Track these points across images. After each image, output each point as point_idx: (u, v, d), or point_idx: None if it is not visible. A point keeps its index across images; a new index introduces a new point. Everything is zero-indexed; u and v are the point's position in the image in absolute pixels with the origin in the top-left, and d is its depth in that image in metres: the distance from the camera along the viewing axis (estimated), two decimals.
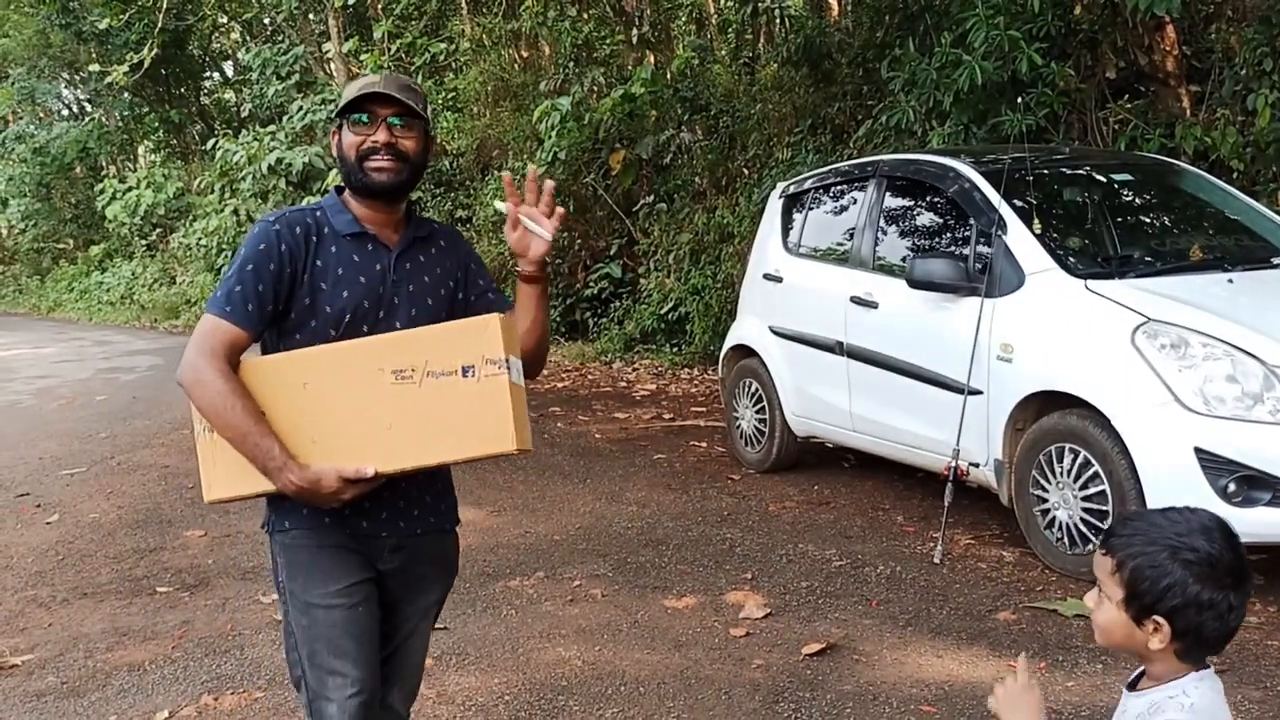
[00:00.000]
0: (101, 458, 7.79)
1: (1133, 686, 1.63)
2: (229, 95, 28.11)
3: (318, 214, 2.29)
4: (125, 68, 19.40)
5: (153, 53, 19.35)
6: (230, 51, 27.62)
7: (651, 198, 11.73)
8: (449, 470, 2.43)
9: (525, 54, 14.57)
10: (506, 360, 2.13)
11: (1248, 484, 3.99)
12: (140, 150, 30.01)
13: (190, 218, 20.76)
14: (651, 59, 12.90)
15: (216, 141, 18.74)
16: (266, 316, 2.21)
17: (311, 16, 20.26)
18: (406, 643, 2.43)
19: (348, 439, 2.16)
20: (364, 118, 2.25)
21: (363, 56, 16.72)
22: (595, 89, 12.45)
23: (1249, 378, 4.07)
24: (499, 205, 2.38)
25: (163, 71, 23.71)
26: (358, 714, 2.21)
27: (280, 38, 21.16)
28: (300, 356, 2.21)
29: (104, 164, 27.99)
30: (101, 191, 23.00)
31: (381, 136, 2.24)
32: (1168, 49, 7.92)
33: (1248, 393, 4.06)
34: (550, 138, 11.69)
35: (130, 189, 22.35)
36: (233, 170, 18.13)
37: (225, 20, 25.33)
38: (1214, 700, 1.56)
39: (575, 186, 12.30)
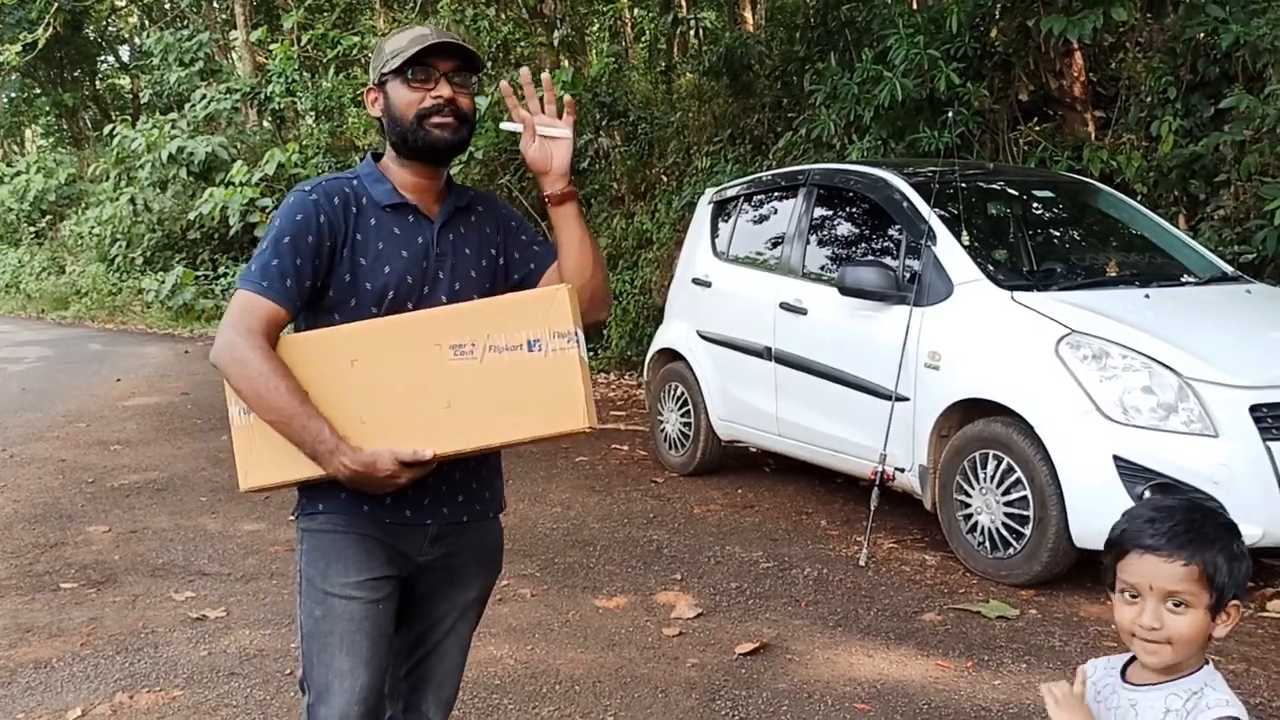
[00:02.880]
0: None
1: (1125, 675, 1.62)
2: (124, 81, 27.23)
3: (354, 183, 2.13)
4: (18, 48, 18.66)
5: (48, 33, 18.64)
6: (128, 36, 26.77)
7: None
8: (500, 452, 2.26)
9: None
10: (575, 333, 2.00)
11: (1163, 491, 4.13)
12: (28, 134, 28.86)
13: (82, 205, 20.04)
14: (569, 63, 12.90)
15: (114, 128, 18.10)
16: (305, 292, 2.04)
17: (216, 4, 19.76)
18: (442, 644, 2.26)
19: (401, 419, 2.01)
20: (423, 73, 2.08)
21: (272, 46, 16.36)
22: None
23: (1165, 389, 4.22)
24: (507, 126, 2.19)
25: (57, 54, 22.87)
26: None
27: (182, 23, 20.58)
28: (348, 331, 2.05)
29: None
30: None
31: (445, 92, 2.08)
32: (1076, 75, 8.21)
33: (1163, 403, 4.21)
34: None
35: (19, 173, 21.48)
36: (130, 158, 17.54)
37: (124, 3, 24.53)
38: (1227, 687, 1.57)
39: (491, 188, 12.20)
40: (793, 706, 3.44)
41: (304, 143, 15.72)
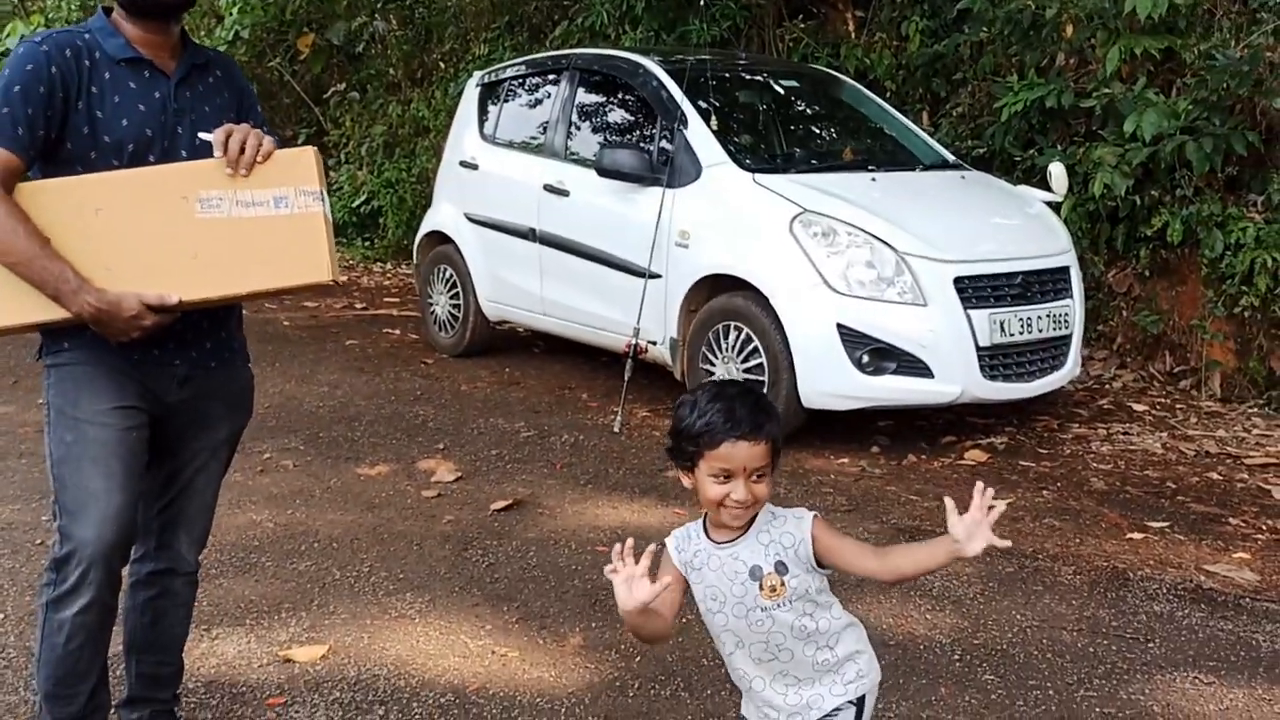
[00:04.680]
0: None
1: (714, 540, 1.85)
2: None
3: (87, 36, 2.16)
4: None
5: None
6: None
7: (343, 86, 11.40)
8: (241, 308, 2.37)
9: None
10: (320, 192, 2.12)
11: (878, 355, 4.61)
12: None
13: None
14: None
15: None
16: (39, 142, 2.08)
17: None
18: (193, 482, 2.36)
19: (147, 267, 2.08)
20: None
21: None
22: None
23: (884, 264, 4.66)
24: (205, 136, 2.17)
25: None
26: (114, 543, 2.14)
27: None
28: (92, 181, 2.09)
29: None
30: None
31: None
32: None
33: (883, 277, 4.65)
34: (231, 14, 11.06)
35: None
36: None
37: None
38: None
39: (260, 70, 11.72)
40: (539, 552, 3.72)
41: (50, 15, 14.54)
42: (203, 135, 2.16)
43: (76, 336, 2.15)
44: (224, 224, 2.11)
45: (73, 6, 14.02)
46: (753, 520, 1.83)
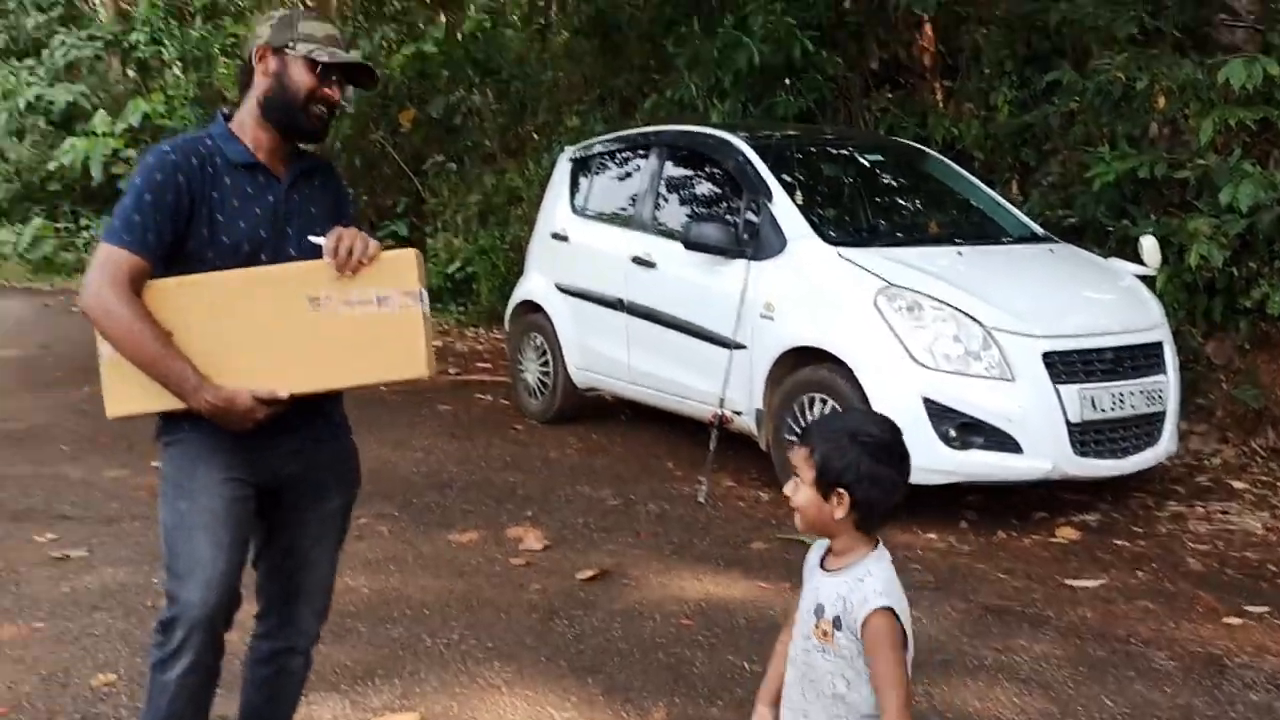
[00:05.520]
0: None
1: (823, 565, 1.98)
2: None
3: (209, 142, 2.32)
4: None
5: None
6: None
7: (441, 158, 11.78)
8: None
9: (311, 3, 14.24)
10: (420, 293, 2.27)
11: (966, 430, 4.59)
12: None
13: None
14: (443, 19, 12.91)
15: None
16: (165, 245, 2.23)
17: None
18: (310, 554, 2.48)
19: (259, 361, 2.24)
20: (329, 74, 2.32)
21: None
22: (386, 44, 12.37)
23: (971, 338, 4.66)
24: (314, 239, 2.33)
25: None
26: (218, 606, 2.25)
27: None
28: (212, 281, 2.25)
29: None
30: None
31: (337, 94, 2.35)
32: (925, 45, 8.67)
33: (969, 351, 4.65)
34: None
35: None
36: None
37: None
38: (892, 575, 1.95)
39: (363, 143, 12.20)
40: (624, 624, 3.77)
41: (170, 93, 15.35)
42: (312, 239, 2.31)
43: (193, 417, 2.29)
44: (331, 321, 2.26)
45: (190, 85, 14.78)
46: (851, 560, 1.92)
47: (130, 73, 17.81)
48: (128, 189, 2.28)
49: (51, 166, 16.08)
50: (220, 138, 2.34)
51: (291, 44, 2.33)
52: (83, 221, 16.47)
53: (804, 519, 1.95)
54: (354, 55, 2.37)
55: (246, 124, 2.37)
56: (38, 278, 15.58)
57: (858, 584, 1.88)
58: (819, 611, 1.91)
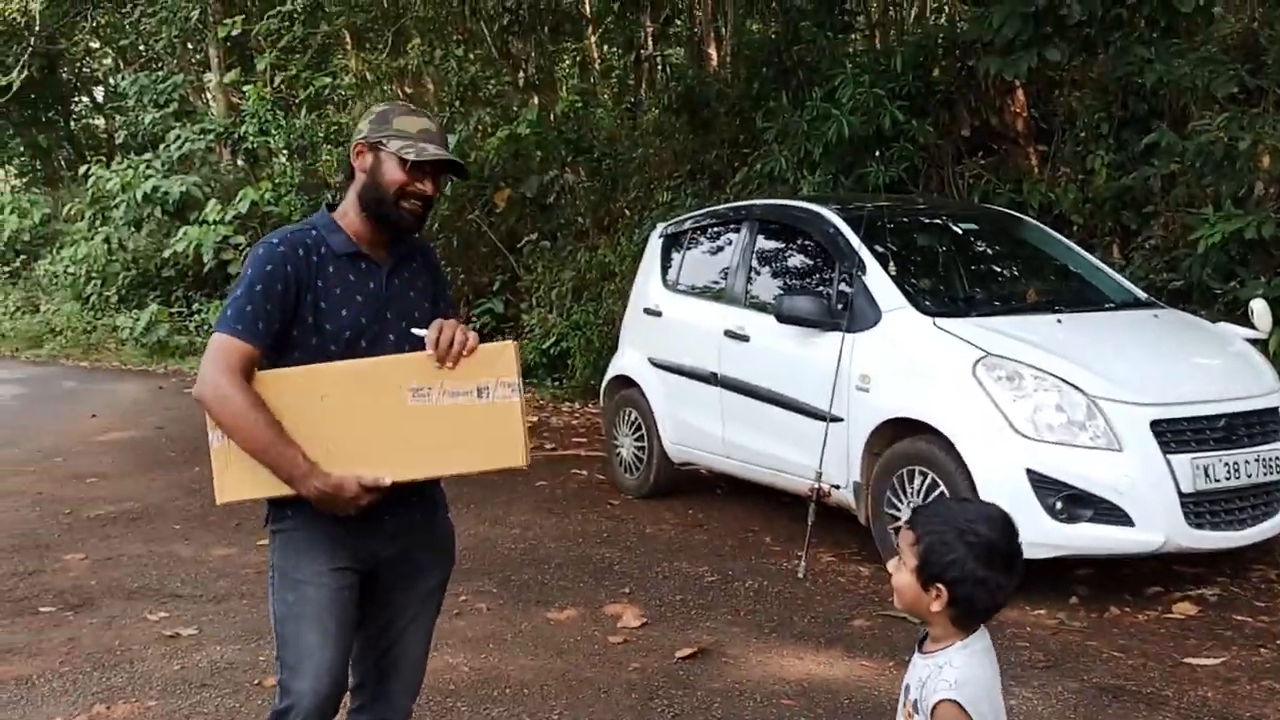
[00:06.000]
0: None
1: (921, 646, 1.99)
2: (99, 121, 27.45)
3: (313, 233, 2.41)
4: None
5: (22, 75, 18.89)
6: (102, 77, 27.01)
7: (535, 235, 12.02)
8: None
9: (409, 91, 14.77)
10: (517, 384, 2.34)
11: (1073, 502, 4.46)
12: (2, 175, 28.98)
13: (57, 245, 20.17)
14: (536, 101, 13.25)
15: (89, 168, 18.32)
16: (274, 333, 2.33)
17: (190, 46, 20.06)
18: (406, 632, 2.53)
19: (363, 449, 2.32)
20: (420, 169, 2.40)
21: (245, 88, 16.66)
22: (481, 128, 12.74)
23: (1074, 407, 4.55)
24: (418, 331, 2.39)
25: (31, 95, 23.08)
26: (327, 695, 2.32)
27: (157, 65, 20.85)
28: (321, 370, 2.35)
29: None
30: None
31: (429, 188, 2.42)
32: (1017, 111, 8.61)
33: (1074, 421, 4.54)
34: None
35: None
36: (105, 198, 17.74)
37: (99, 46, 24.81)
38: (978, 663, 1.90)
39: (460, 223, 12.52)
40: (724, 704, 3.72)
41: (277, 181, 15.98)
42: (415, 331, 2.39)
43: (298, 504, 2.37)
44: (431, 412, 2.33)
45: (295, 173, 15.38)
46: (941, 645, 1.92)
47: (240, 162, 18.64)
48: (239, 280, 2.37)
49: (166, 254, 16.83)
50: (324, 228, 2.44)
51: (385, 140, 2.42)
52: (194, 306, 17.14)
53: (901, 600, 1.95)
54: (442, 152, 2.43)
55: (348, 215, 2.46)
56: (153, 361, 16.22)
57: (937, 670, 1.88)
58: (906, 691, 1.95)
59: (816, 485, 5.17)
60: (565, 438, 8.84)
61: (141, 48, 22.14)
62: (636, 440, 6.69)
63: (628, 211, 11.32)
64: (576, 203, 11.83)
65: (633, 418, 6.71)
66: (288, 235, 2.40)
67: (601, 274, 10.83)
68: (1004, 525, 1.90)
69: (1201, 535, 4.50)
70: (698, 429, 6.17)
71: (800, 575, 5.05)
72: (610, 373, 7.05)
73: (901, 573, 1.92)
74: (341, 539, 2.39)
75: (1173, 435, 4.51)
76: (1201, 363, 5.05)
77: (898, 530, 2.00)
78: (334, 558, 2.38)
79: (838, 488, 5.21)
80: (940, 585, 1.86)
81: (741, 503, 6.46)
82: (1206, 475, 4.49)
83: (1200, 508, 4.49)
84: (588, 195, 11.67)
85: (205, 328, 16.42)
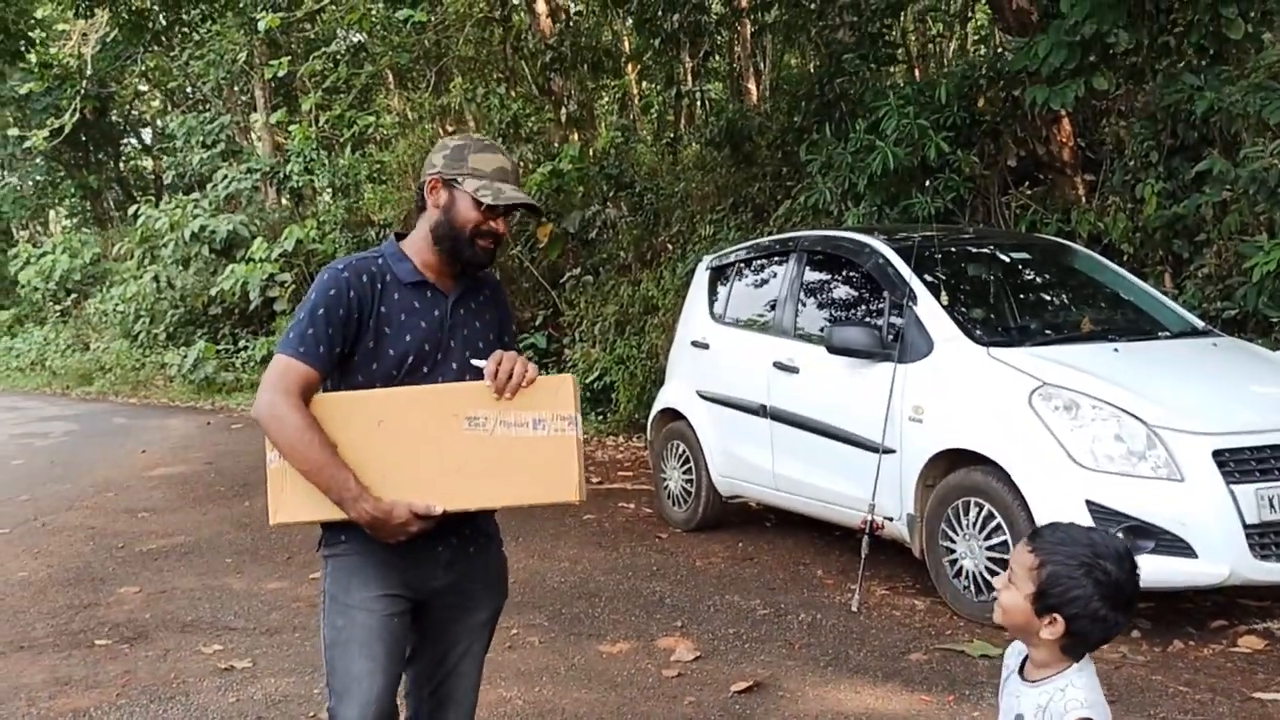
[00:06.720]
0: (24, 519, 7.74)
1: (1021, 671, 1.92)
2: (148, 162, 28.02)
3: (380, 261, 2.43)
4: (45, 133, 19.32)
5: (74, 118, 19.33)
6: (151, 119, 27.60)
7: (578, 270, 12.07)
8: None
9: (452, 129, 14.94)
10: (575, 417, 2.33)
11: (1134, 533, 4.37)
12: (53, 215, 29.63)
13: (107, 284, 20.57)
14: (577, 137, 13.37)
15: (138, 208, 18.70)
16: (335, 357, 2.34)
17: (237, 87, 20.46)
18: (460, 664, 2.53)
19: (416, 476, 2.31)
20: (494, 211, 2.41)
21: (291, 128, 16.95)
22: (523, 164, 12.85)
23: (1133, 437, 4.48)
24: (477, 363, 2.39)
25: (82, 137, 23.62)
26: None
27: (204, 107, 21.28)
28: (378, 396, 2.36)
29: (14, 229, 27.62)
30: (15, 256, 22.66)
31: (502, 228, 2.45)
32: (1064, 140, 8.55)
33: (1133, 451, 4.46)
34: None
35: (45, 254, 22.09)
36: (154, 237, 18.09)
37: (147, 89, 25.37)
38: (1095, 684, 1.86)
39: (502, 258, 12.59)
40: None
41: (321, 219, 16.21)
42: (474, 361, 2.39)
43: (352, 530, 2.37)
44: (487, 441, 2.32)
45: (339, 210, 15.59)
46: (1053, 671, 1.86)
47: (285, 201, 18.94)
48: (303, 303, 2.38)
49: (213, 291, 17.10)
50: (391, 257, 2.45)
51: (461, 179, 2.42)
52: (241, 343, 17.37)
53: (1006, 619, 1.88)
54: (519, 195, 2.44)
55: (418, 246, 2.47)
56: (200, 397, 16.42)
57: (1059, 693, 1.82)
58: None
59: (870, 518, 5.11)
60: (611, 471, 8.82)
61: (189, 89, 22.66)
62: (684, 473, 6.66)
63: (670, 245, 11.36)
64: (619, 237, 11.89)
65: (680, 450, 6.68)
66: (353, 262, 2.42)
67: (644, 308, 10.84)
68: (1130, 564, 1.84)
69: (1268, 568, 4.39)
70: (747, 462, 6.13)
71: (854, 609, 4.99)
72: (657, 405, 7.04)
73: (1012, 593, 1.85)
74: (394, 566, 2.38)
75: (1235, 465, 4.41)
76: (1263, 391, 4.95)
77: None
78: (385, 584, 2.37)
79: (891, 520, 5.15)
80: (1058, 615, 1.81)
81: (791, 536, 6.40)
82: (1271, 506, 4.38)
83: (1265, 539, 4.38)
84: (630, 230, 11.72)
85: (251, 365, 16.63)
